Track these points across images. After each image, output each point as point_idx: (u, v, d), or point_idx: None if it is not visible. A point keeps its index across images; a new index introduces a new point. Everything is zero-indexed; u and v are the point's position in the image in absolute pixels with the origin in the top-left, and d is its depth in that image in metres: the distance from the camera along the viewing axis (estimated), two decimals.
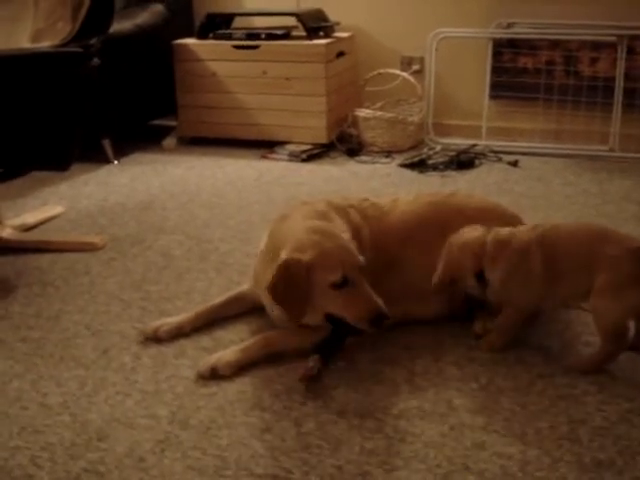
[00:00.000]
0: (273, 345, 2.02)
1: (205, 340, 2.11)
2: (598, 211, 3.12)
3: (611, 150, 3.93)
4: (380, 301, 1.90)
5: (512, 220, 2.19)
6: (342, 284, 1.90)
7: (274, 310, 2.06)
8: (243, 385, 1.88)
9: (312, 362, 1.87)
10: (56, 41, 2.63)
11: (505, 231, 2.00)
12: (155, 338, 2.12)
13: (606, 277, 1.84)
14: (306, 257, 1.89)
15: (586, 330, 2.11)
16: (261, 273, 2.09)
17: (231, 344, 2.07)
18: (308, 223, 2.02)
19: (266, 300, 2.08)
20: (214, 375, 1.92)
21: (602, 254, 1.86)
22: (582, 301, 1.94)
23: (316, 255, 1.91)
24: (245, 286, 2.29)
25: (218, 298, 2.27)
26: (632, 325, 1.91)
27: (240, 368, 1.95)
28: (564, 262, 1.92)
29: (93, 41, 2.62)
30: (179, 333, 2.13)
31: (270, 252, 2.05)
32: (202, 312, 2.20)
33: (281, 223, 2.11)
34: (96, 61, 2.65)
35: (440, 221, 2.16)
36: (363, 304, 1.90)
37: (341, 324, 1.94)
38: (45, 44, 2.66)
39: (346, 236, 2.01)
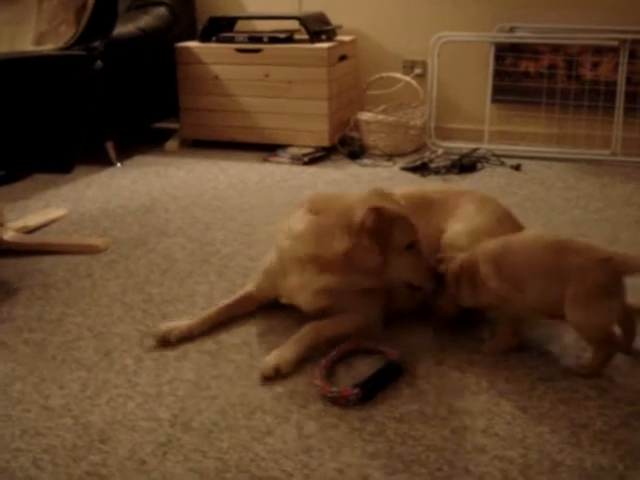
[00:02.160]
0: (323, 333, 2.04)
1: (208, 343, 2.11)
2: (600, 215, 3.12)
3: (613, 154, 3.93)
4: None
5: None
6: (410, 247, 2.01)
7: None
8: (244, 388, 1.89)
9: (353, 392, 1.81)
10: (59, 44, 2.63)
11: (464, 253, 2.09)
12: (164, 342, 2.12)
13: (577, 288, 1.86)
14: (393, 211, 1.99)
15: None
16: (300, 249, 2.07)
17: (233, 348, 2.08)
18: (368, 194, 2.08)
19: (295, 284, 2.10)
20: (278, 374, 1.93)
21: (567, 265, 1.88)
22: (558, 311, 1.94)
23: (397, 214, 1.99)
24: (249, 286, 2.29)
25: (224, 300, 2.27)
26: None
27: (299, 362, 1.97)
28: (521, 273, 1.95)
29: (96, 44, 2.63)
30: (189, 337, 2.14)
31: (322, 225, 2.05)
32: (210, 315, 2.20)
33: (326, 200, 2.13)
34: (99, 64, 2.65)
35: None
36: (424, 267, 2.04)
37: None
38: (48, 47, 2.66)
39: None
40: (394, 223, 1.98)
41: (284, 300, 2.19)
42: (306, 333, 2.03)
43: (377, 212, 1.96)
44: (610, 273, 1.87)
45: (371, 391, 1.84)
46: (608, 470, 1.57)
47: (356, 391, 1.81)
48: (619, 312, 1.91)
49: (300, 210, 2.14)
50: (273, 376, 1.92)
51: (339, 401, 1.80)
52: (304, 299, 2.11)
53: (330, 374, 1.92)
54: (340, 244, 2.00)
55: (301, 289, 2.10)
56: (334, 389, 1.82)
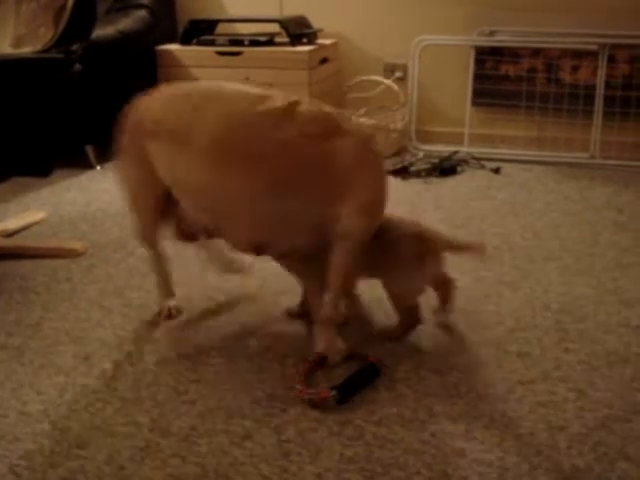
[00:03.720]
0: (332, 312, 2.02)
1: (186, 347, 2.10)
2: (579, 218, 3.14)
3: (592, 157, 3.97)
4: None
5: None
6: None
7: None
8: (223, 392, 1.88)
9: (331, 394, 1.81)
10: (38, 47, 2.63)
11: None
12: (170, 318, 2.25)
13: (389, 259, 2.05)
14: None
15: (565, 337, 2.13)
16: None
17: (212, 351, 2.07)
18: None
19: None
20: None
21: (385, 237, 2.05)
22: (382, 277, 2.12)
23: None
24: None
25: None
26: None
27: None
28: None
29: (75, 47, 2.63)
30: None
31: None
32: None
33: None
34: (78, 67, 2.65)
35: None
36: None
37: None
38: (26, 50, 2.65)
39: None
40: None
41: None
42: (327, 318, 2.01)
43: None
44: (420, 248, 2.05)
45: (348, 393, 1.84)
46: (585, 472, 1.58)
47: (333, 393, 1.81)
48: (430, 285, 2.14)
49: None
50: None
51: (317, 403, 1.80)
52: None
53: (309, 378, 1.92)
54: None
55: None
56: (312, 391, 1.83)
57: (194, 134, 1.92)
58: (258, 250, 2.05)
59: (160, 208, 2.16)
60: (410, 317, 2.12)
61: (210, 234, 2.17)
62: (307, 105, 1.94)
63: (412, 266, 2.06)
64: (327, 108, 1.96)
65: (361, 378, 1.90)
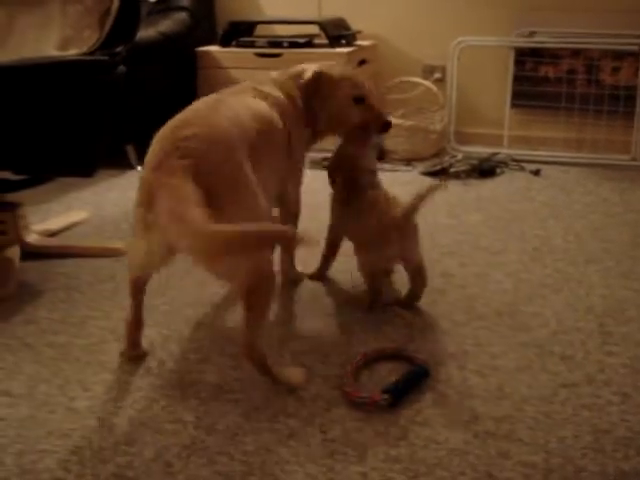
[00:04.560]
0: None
1: (230, 346, 2.12)
2: (619, 220, 3.12)
3: (633, 159, 3.93)
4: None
5: None
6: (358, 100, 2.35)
7: None
8: (267, 391, 1.90)
9: (383, 397, 1.81)
10: (83, 49, 2.66)
11: None
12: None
13: (359, 227, 2.30)
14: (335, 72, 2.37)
15: (608, 340, 2.11)
16: None
17: None
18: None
19: None
20: None
21: (356, 206, 2.32)
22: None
23: (339, 74, 2.36)
24: None
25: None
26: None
27: None
28: None
29: (119, 49, 2.65)
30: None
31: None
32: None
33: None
34: (122, 69, 2.68)
35: None
36: (374, 114, 2.41)
37: None
38: (72, 52, 2.68)
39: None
40: (335, 82, 2.34)
41: None
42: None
43: (317, 74, 2.33)
44: (387, 227, 2.20)
45: (400, 396, 1.84)
46: (631, 476, 1.57)
47: (386, 396, 1.81)
48: (399, 262, 2.32)
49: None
50: None
51: (368, 406, 1.80)
52: None
53: (357, 379, 1.93)
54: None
55: None
56: (364, 394, 1.82)
57: None
58: None
59: None
60: (374, 289, 2.31)
61: None
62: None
63: (376, 236, 2.23)
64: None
65: (411, 380, 1.90)
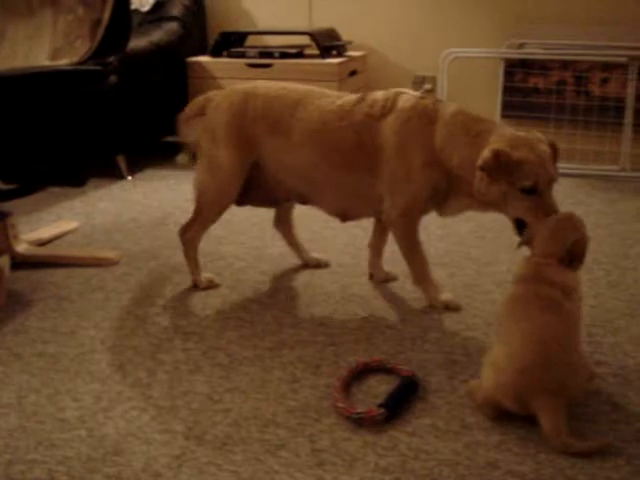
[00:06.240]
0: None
1: (220, 356, 2.12)
2: (609, 231, 3.13)
3: (622, 170, 3.95)
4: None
5: None
6: (531, 191, 2.10)
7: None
8: (257, 402, 1.90)
9: (380, 412, 1.80)
10: (74, 59, 2.66)
11: None
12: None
13: None
14: (516, 154, 2.09)
15: (597, 350, 2.12)
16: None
17: (246, 361, 2.09)
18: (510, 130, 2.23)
19: None
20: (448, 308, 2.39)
21: None
22: None
23: (523, 156, 2.10)
24: None
25: None
26: None
27: None
28: None
29: (111, 59, 2.66)
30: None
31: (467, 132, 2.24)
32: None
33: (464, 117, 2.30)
34: (113, 79, 2.68)
35: None
36: (537, 213, 2.11)
37: None
38: (64, 62, 2.69)
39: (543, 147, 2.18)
40: (510, 166, 2.08)
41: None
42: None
43: (496, 153, 2.08)
44: None
45: (396, 409, 1.84)
46: None
47: (382, 410, 1.80)
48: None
49: None
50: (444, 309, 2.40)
51: (365, 422, 1.79)
52: None
53: (347, 393, 1.93)
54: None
55: None
56: (360, 410, 1.81)
57: (293, 125, 2.37)
58: (342, 216, 2.47)
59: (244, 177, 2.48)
60: None
61: (304, 201, 2.51)
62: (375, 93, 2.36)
63: None
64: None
65: (403, 393, 1.90)
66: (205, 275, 2.62)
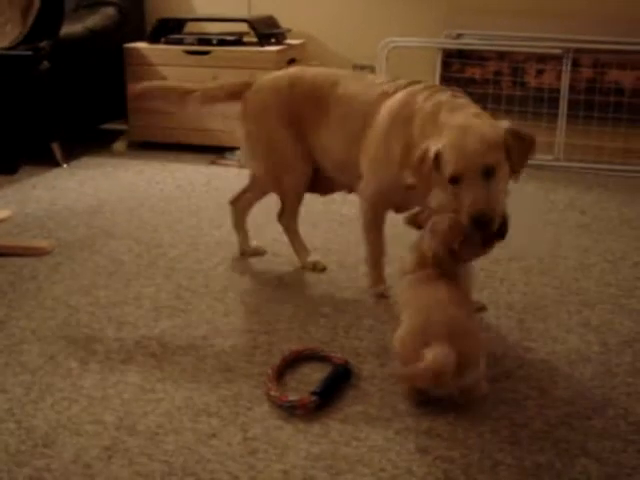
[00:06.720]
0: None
1: (153, 346, 2.11)
2: (543, 219, 3.19)
3: (556, 159, 4.02)
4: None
5: None
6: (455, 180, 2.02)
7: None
8: (190, 391, 1.89)
9: (312, 399, 1.81)
10: (5, 43, 2.61)
11: None
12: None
13: None
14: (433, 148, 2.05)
15: (527, 336, 2.16)
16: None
17: (179, 350, 2.08)
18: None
19: None
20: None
21: None
22: None
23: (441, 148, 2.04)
24: None
25: None
26: None
27: None
28: None
29: (43, 44, 2.62)
30: None
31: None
32: None
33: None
34: (46, 64, 2.64)
35: None
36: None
37: None
38: None
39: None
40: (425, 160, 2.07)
41: None
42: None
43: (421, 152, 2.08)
44: None
45: (327, 397, 1.84)
46: (546, 468, 1.61)
47: (314, 398, 1.81)
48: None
49: None
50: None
51: (298, 409, 1.80)
52: None
53: (280, 381, 1.93)
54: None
55: None
56: (292, 398, 1.81)
57: (330, 106, 2.40)
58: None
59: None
60: None
61: (350, 190, 2.50)
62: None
63: None
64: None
65: (336, 381, 1.91)
66: (310, 259, 2.66)
